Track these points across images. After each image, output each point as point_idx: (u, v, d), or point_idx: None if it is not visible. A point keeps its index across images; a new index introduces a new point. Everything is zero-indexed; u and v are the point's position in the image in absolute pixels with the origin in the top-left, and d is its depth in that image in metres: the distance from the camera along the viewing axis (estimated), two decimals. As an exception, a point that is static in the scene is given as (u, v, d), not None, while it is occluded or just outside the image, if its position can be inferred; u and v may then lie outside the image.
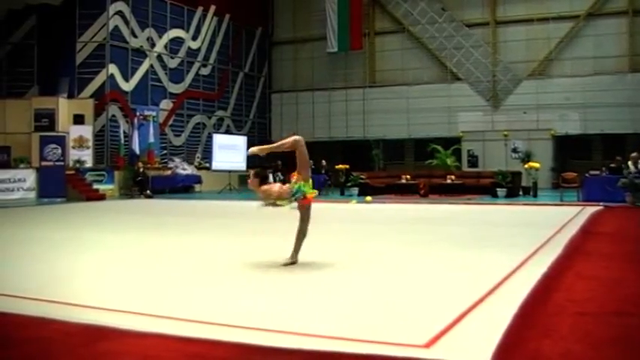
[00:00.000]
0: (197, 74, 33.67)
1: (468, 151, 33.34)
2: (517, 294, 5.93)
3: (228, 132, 35.21)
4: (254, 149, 8.44)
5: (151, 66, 30.58)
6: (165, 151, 31.12)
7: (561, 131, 31.83)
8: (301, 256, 8.12)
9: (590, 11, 31.89)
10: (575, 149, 32.18)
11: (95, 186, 25.86)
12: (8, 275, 7.41)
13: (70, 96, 27.56)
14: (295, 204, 7.87)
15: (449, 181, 25.39)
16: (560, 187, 23.48)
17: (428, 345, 4.30)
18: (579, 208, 17.78)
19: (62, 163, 25.56)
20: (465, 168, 32.20)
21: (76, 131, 26.83)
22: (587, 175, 22.04)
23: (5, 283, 6.81)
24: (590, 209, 17.17)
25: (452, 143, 31.69)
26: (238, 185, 33.04)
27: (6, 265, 8.21)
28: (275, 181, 7.56)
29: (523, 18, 33.18)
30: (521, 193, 25.04)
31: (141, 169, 26.97)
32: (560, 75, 32.28)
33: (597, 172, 22.15)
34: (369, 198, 22.67)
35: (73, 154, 26.43)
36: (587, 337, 4.65)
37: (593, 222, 14.17)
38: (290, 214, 8.16)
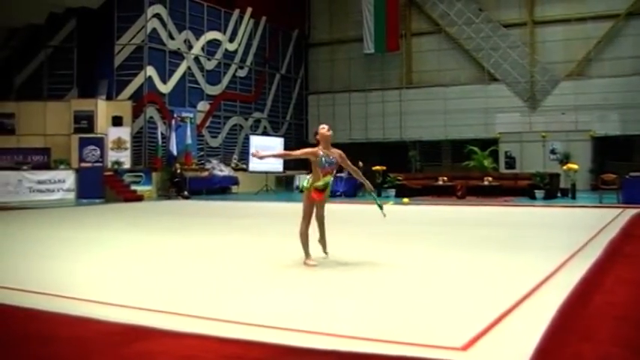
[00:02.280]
0: (234, 76, 33.81)
1: (506, 152, 33.08)
2: (555, 297, 5.87)
3: (265, 133, 35.31)
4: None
5: (189, 68, 30.78)
6: (202, 153, 31.32)
7: (600, 132, 31.44)
8: (336, 257, 8.19)
9: (630, 10, 31.41)
10: (614, 150, 31.73)
11: (133, 187, 26.09)
12: (49, 275, 7.52)
13: (109, 98, 27.86)
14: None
15: (486, 182, 25.22)
16: (599, 188, 23.17)
17: (465, 347, 4.28)
18: (619, 210, 17.55)
19: (101, 165, 25.88)
20: (503, 169, 31.93)
21: (114, 133, 27.11)
22: (627, 176, 21.73)
23: (47, 282, 6.91)
24: (631, 211, 16.92)
25: (489, 144, 31.46)
26: (275, 186, 33.15)
27: (47, 265, 8.32)
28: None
29: (561, 18, 32.84)
30: (559, 194, 24.78)
31: (178, 171, 27.15)
32: (599, 75, 31.88)
33: (637, 174, 21.82)
34: (406, 200, 22.60)
35: (112, 156, 26.71)
36: (627, 342, 4.59)
37: (633, 224, 13.99)
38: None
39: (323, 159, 8.09)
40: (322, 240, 8.49)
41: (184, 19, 30.55)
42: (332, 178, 8.27)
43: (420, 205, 21.39)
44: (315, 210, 8.26)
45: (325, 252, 8.48)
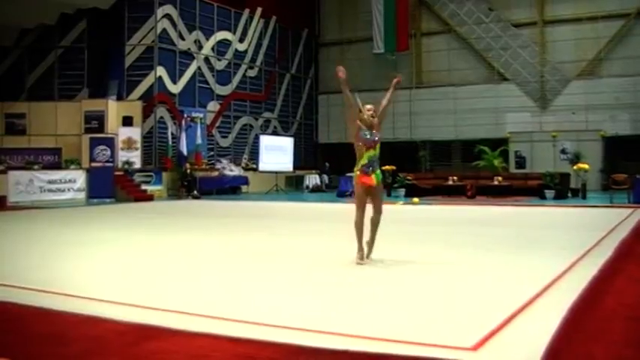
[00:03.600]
0: (244, 76, 33.85)
1: (516, 152, 32.99)
2: (566, 297, 5.86)
3: (275, 133, 35.33)
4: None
5: (199, 68, 30.84)
6: (212, 153, 31.37)
7: (611, 132, 31.32)
8: (346, 257, 8.17)
9: (642, 9, 31.36)
10: (625, 150, 31.59)
11: (143, 187, 26.18)
12: (60, 274, 7.55)
13: (119, 98, 27.98)
14: None
15: (496, 182, 25.17)
16: (610, 188, 23.12)
17: (475, 348, 4.28)
18: (630, 210, 17.49)
19: (111, 164, 25.92)
20: (513, 169, 31.86)
21: (124, 133, 27.21)
22: (637, 176, 21.65)
23: (57, 281, 6.94)
24: (641, 211, 16.89)
25: (499, 144, 31.39)
26: (285, 186, 33.18)
27: (58, 265, 8.36)
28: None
29: (572, 17, 32.72)
30: (569, 194, 24.72)
31: (188, 171, 27.22)
32: (610, 75, 31.77)
33: (648, 174, 21.76)
34: (416, 199, 22.58)
35: (122, 156, 26.80)
36: (640, 343, 4.58)
37: (644, 224, 13.93)
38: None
39: (365, 131, 8.08)
40: (370, 242, 8.21)
41: (194, 20, 30.61)
42: (376, 155, 8.12)
43: (429, 205, 21.37)
44: (371, 201, 8.11)
45: (368, 256, 8.19)
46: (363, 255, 8.05)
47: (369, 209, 8.14)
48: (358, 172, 8.04)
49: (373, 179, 8.05)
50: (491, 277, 7.22)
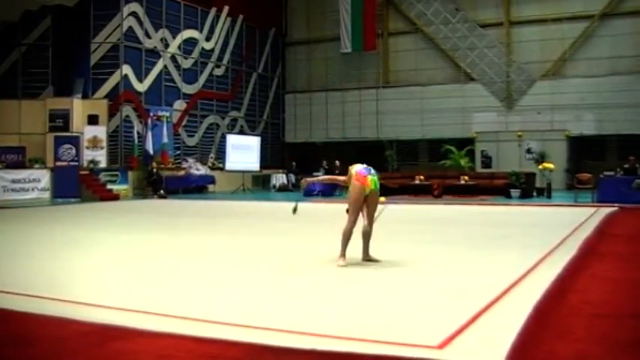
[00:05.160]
0: (211, 75, 33.69)
1: (482, 151, 33.18)
2: (532, 295, 5.91)
3: (241, 132, 35.19)
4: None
5: (165, 66, 30.63)
6: (178, 152, 31.19)
7: (576, 132, 31.63)
8: (313, 256, 8.15)
9: (605, 11, 31.63)
10: (589, 150, 32.00)
11: (109, 186, 25.92)
12: (27, 276, 7.45)
13: (85, 96, 27.65)
14: None
15: (462, 181, 25.27)
16: (574, 188, 23.36)
17: (441, 346, 4.29)
18: (594, 209, 17.67)
19: (76, 164, 25.67)
20: (479, 169, 32.04)
21: (90, 132, 26.94)
22: (601, 176, 21.89)
23: (25, 283, 6.85)
24: (605, 210, 17.05)
25: (465, 144, 31.60)
26: (251, 185, 33.09)
27: (24, 266, 8.25)
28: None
29: (537, 18, 32.97)
30: (535, 194, 24.91)
31: (154, 170, 27.04)
32: (575, 75, 32.05)
33: (612, 173, 21.98)
34: (382, 198, 22.50)
35: (87, 155, 26.52)
36: (604, 340, 4.61)
37: (608, 223, 14.10)
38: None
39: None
40: (366, 255, 8.17)
41: (161, 18, 30.39)
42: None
43: (396, 204, 21.38)
44: (365, 208, 8.10)
45: (376, 259, 8.17)
46: (345, 258, 7.90)
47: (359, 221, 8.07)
48: (355, 175, 8.05)
49: (371, 182, 8.07)
50: (457, 275, 7.24)
